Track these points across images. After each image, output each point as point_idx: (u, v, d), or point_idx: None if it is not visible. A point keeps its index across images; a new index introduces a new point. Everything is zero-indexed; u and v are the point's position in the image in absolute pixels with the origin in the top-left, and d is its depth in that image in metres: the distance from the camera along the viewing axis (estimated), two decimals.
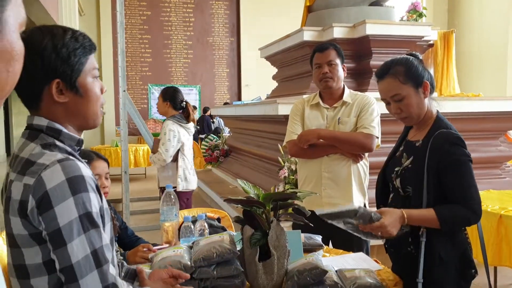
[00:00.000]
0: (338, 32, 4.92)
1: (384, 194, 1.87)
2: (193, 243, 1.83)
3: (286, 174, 3.91)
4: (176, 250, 1.72)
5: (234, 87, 14.79)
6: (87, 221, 1.02)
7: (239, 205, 1.73)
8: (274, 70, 6.64)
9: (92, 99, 1.14)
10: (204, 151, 7.97)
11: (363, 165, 2.49)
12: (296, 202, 1.70)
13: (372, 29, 4.78)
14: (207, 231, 2.04)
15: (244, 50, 14.35)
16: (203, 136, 10.53)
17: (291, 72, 5.75)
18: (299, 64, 5.53)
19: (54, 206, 0.99)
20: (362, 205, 1.62)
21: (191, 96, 14.48)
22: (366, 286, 1.62)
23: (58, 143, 1.09)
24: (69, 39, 1.09)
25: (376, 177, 3.55)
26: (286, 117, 4.35)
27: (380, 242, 1.84)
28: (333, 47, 2.46)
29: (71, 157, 1.06)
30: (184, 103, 3.85)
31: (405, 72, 1.70)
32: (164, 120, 3.81)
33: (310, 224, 1.74)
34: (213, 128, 11.72)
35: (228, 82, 14.77)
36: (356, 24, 4.89)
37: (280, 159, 4.05)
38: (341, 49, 2.53)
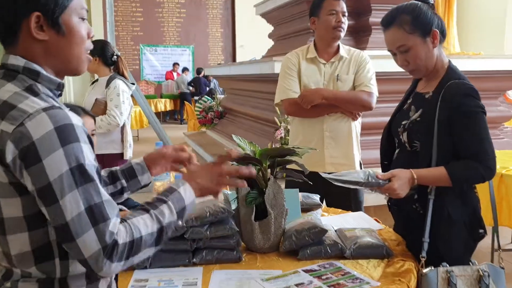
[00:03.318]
0: None
1: (389, 150, 1.76)
2: None
3: (283, 135, 3.82)
4: None
5: (228, 48, 14.47)
6: (80, 174, 0.91)
7: (233, 163, 1.63)
8: (270, 30, 6.43)
9: (75, 40, 1.02)
10: (198, 113, 7.84)
11: (358, 124, 2.40)
12: (294, 159, 1.60)
13: None
14: None
15: (238, 9, 13.95)
16: (197, 98, 10.36)
17: (288, 29, 5.55)
18: (296, 21, 5.33)
19: (43, 159, 0.88)
20: (369, 171, 1.52)
21: (184, 57, 14.19)
22: (368, 245, 1.55)
23: (38, 85, 0.98)
24: None
25: (370, 137, 3.49)
26: None
27: (384, 200, 1.76)
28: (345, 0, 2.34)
29: (56, 104, 0.95)
30: (115, 57, 3.38)
31: (412, 21, 1.56)
32: (110, 79, 3.27)
33: (309, 182, 1.65)
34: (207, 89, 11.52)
35: (222, 43, 14.45)
36: None
37: (276, 120, 3.94)
38: None
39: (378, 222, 1.92)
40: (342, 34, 2.32)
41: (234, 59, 14.11)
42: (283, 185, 2.53)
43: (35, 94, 0.95)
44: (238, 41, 14.20)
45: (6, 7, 0.95)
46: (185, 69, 13.34)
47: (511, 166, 3.03)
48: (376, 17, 4.61)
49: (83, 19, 1.03)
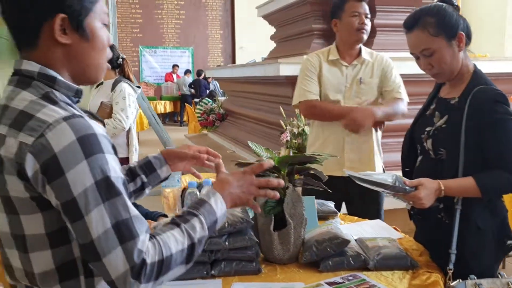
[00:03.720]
0: None
1: (411, 157, 1.70)
2: None
3: (288, 138, 3.75)
4: None
5: (228, 50, 14.41)
6: (106, 188, 0.85)
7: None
8: (270, 32, 6.38)
9: (98, 46, 0.96)
10: (199, 115, 7.77)
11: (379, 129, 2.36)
12: (313, 166, 1.54)
13: None
14: None
15: (238, 10, 13.90)
16: (197, 100, 10.29)
17: (291, 31, 5.50)
18: (299, 23, 5.28)
19: (65, 172, 0.83)
20: (395, 174, 1.46)
21: (183, 58, 14.12)
22: (391, 256, 1.49)
23: (55, 92, 0.91)
24: None
25: (390, 140, 3.43)
26: (287, 78, 4.17)
27: (404, 206, 1.70)
28: (366, 1, 2.29)
29: (77, 112, 0.88)
30: (121, 59, 3.32)
31: (437, 23, 1.50)
32: (116, 82, 3.22)
33: (328, 190, 1.59)
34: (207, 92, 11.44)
35: (222, 44, 14.38)
36: None
37: (282, 122, 3.88)
38: None
39: (397, 230, 1.86)
40: (365, 36, 2.27)
41: (233, 61, 14.05)
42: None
43: (53, 102, 0.89)
44: (238, 42, 14.15)
45: (29, 7, 0.89)
46: (187, 71, 13.28)
47: None
48: (381, 19, 4.56)
49: (105, 24, 0.98)
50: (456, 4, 1.56)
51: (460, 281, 1.39)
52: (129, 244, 0.85)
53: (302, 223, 1.55)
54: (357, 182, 1.48)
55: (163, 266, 0.88)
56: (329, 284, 1.39)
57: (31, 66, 0.92)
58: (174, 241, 0.91)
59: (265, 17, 6.20)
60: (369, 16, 2.27)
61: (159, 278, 0.88)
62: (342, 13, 2.26)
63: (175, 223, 0.95)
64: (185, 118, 11.07)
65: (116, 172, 0.88)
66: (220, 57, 14.39)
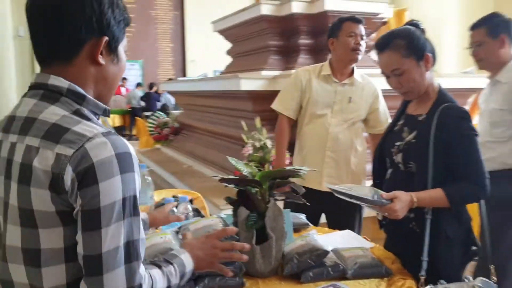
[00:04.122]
0: (296, 7, 4.81)
1: (381, 169, 1.81)
2: (179, 228, 1.68)
3: (250, 152, 3.80)
4: (163, 236, 1.57)
5: (178, 63, 14.34)
6: (131, 206, 0.89)
7: (231, 185, 1.60)
8: (222, 45, 6.44)
9: (122, 70, 1.05)
10: (152, 129, 7.66)
11: (363, 147, 2.46)
12: (294, 180, 1.60)
13: (330, 4, 4.71)
14: (191, 214, 1.89)
15: (189, 24, 13.90)
16: (148, 113, 10.14)
17: (247, 47, 5.59)
18: (256, 39, 5.38)
19: (99, 182, 0.85)
20: (372, 191, 1.55)
21: (132, 71, 13.89)
22: (368, 265, 1.57)
23: (84, 110, 0.94)
24: (121, 1, 1.02)
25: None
26: (249, 93, 4.24)
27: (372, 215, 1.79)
28: (363, 24, 2.40)
29: (112, 130, 0.93)
30: None
31: (407, 46, 1.62)
32: None
33: (307, 203, 1.65)
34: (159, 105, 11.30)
35: (172, 58, 14.30)
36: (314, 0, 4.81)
37: (244, 137, 3.93)
38: None
39: (367, 239, 1.95)
40: (360, 57, 2.37)
41: (184, 74, 13.99)
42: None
43: (87, 118, 0.92)
44: (189, 56, 14.12)
45: (80, 25, 0.92)
46: (138, 84, 13.07)
47: None
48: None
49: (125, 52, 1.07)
50: (422, 27, 1.68)
51: (432, 286, 1.49)
52: (134, 265, 0.88)
53: (283, 236, 1.59)
54: (337, 195, 1.55)
55: None
56: None
57: (60, 82, 0.94)
58: (159, 279, 0.98)
59: (221, 32, 6.26)
60: (364, 37, 2.37)
61: None
62: (339, 32, 2.36)
63: (156, 264, 1.03)
64: (134, 132, 10.87)
65: (139, 193, 0.92)
66: (171, 70, 14.29)
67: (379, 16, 5.28)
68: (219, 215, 1.69)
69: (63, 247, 0.89)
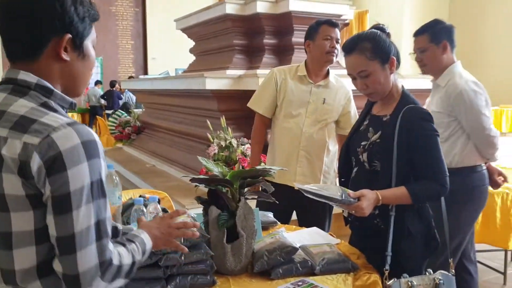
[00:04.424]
0: (261, 6, 4.85)
1: (347, 168, 1.87)
2: None
3: (216, 151, 3.81)
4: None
5: (139, 60, 14.11)
6: (98, 189, 0.96)
7: (202, 184, 1.62)
8: (183, 43, 6.40)
9: (89, 65, 1.09)
10: (114, 128, 7.52)
11: (336, 147, 2.52)
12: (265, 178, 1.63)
13: (294, 5, 4.78)
14: (160, 214, 1.88)
15: (150, 21, 13.70)
16: (109, 112, 9.93)
17: (211, 45, 5.58)
18: (220, 38, 5.38)
19: (68, 169, 0.91)
20: (340, 190, 1.60)
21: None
22: (335, 261, 1.62)
23: (52, 103, 0.99)
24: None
25: None
26: (213, 92, 4.24)
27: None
28: (339, 28, 2.46)
29: (77, 121, 0.98)
30: None
31: (373, 49, 1.68)
32: None
33: (276, 201, 1.69)
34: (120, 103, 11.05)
35: (133, 55, 14.05)
36: (278, 0, 4.86)
37: (209, 136, 3.93)
38: None
39: (333, 236, 2.01)
40: (334, 59, 2.43)
41: (145, 72, 13.78)
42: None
43: (53, 110, 0.97)
44: (150, 53, 13.92)
45: (40, 24, 0.97)
46: (97, 82, 12.75)
47: None
48: (298, 37, 4.81)
49: (93, 47, 1.11)
50: (388, 31, 1.75)
51: (395, 280, 1.56)
52: (103, 242, 0.96)
53: (253, 234, 1.62)
54: (306, 194, 1.59)
55: (119, 272, 1.00)
56: None
57: (29, 77, 0.99)
58: (125, 255, 1.04)
59: (184, 30, 6.22)
60: (339, 41, 2.42)
61: (112, 282, 0.98)
62: (316, 35, 2.40)
63: (120, 243, 1.08)
64: (93, 131, 10.62)
65: (105, 176, 0.98)
66: (132, 67, 14.04)
67: (342, 17, 5.42)
68: (189, 214, 1.70)
69: (33, 229, 0.94)
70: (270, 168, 1.61)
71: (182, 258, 1.48)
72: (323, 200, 1.60)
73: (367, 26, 6.61)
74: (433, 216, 1.75)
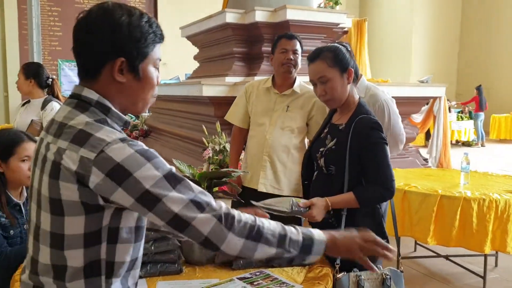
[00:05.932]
0: (260, 15, 5.03)
1: (310, 171, 2.04)
2: None
3: (210, 155, 4.00)
4: None
5: None
6: (172, 179, 1.00)
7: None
8: (194, 49, 6.62)
9: (147, 86, 1.13)
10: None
11: (302, 152, 2.67)
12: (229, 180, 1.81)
13: (292, 14, 4.94)
14: None
15: (162, 27, 13.95)
16: None
17: (213, 53, 5.78)
18: (221, 46, 5.57)
19: (133, 173, 0.97)
20: (293, 200, 1.77)
21: None
22: None
23: (108, 120, 1.07)
24: (144, 22, 1.10)
25: None
26: (210, 99, 4.44)
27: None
28: (298, 39, 2.60)
29: (128, 138, 1.05)
30: (51, 80, 3.46)
31: (333, 57, 1.85)
32: (46, 102, 3.28)
33: (242, 200, 1.87)
34: None
35: None
36: (277, 9, 5.03)
37: (204, 140, 4.12)
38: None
39: None
40: (293, 70, 2.56)
41: None
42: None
43: (110, 126, 1.05)
44: (162, 59, 14.17)
45: (97, 49, 1.06)
46: None
47: (413, 183, 3.46)
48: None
49: (157, 68, 1.15)
50: (350, 49, 1.92)
51: (345, 273, 1.72)
52: (208, 209, 1.01)
53: None
54: (262, 209, 1.76)
55: (254, 230, 1.04)
56: (240, 279, 1.66)
57: (91, 94, 1.08)
58: (268, 222, 1.08)
59: (189, 37, 6.44)
60: (298, 52, 2.56)
61: (249, 239, 1.04)
62: (275, 49, 2.58)
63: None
64: None
65: (173, 169, 1.03)
66: None
67: (340, 26, 5.57)
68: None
69: (83, 233, 1.02)
70: (233, 170, 1.80)
71: (152, 247, 1.67)
72: (277, 214, 1.75)
73: (366, 34, 6.76)
74: (383, 216, 1.91)
